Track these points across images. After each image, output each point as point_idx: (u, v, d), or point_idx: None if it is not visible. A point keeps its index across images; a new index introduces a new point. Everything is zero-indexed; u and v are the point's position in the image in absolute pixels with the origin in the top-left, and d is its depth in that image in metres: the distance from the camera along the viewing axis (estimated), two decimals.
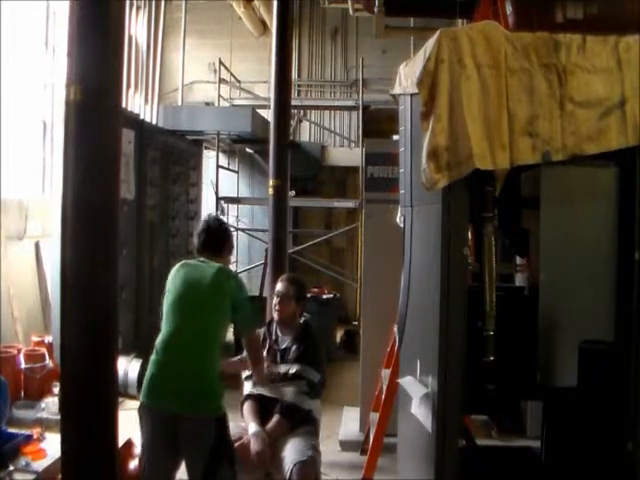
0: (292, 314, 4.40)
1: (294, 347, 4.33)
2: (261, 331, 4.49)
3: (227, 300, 3.72)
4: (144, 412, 3.66)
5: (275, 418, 4.18)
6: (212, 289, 3.71)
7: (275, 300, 4.43)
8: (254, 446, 3.99)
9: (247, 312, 3.85)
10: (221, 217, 4.39)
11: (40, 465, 5.09)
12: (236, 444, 3.98)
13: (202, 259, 3.88)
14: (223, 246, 3.95)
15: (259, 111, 10.72)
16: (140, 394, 3.73)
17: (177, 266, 3.87)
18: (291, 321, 4.41)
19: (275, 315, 4.44)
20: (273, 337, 4.43)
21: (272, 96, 7.02)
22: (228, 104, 11.85)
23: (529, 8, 4.42)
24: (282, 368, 4.29)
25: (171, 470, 3.71)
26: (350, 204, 11.09)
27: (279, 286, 4.46)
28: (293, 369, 4.26)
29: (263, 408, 4.23)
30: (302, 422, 4.25)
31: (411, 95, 3.52)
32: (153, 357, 3.69)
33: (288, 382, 4.24)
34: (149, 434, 3.65)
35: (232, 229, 4.19)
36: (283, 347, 4.37)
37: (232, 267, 4.24)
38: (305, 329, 4.45)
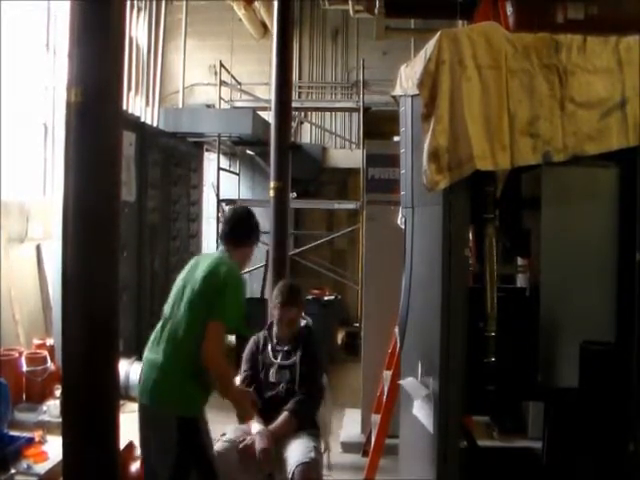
0: (293, 320, 4.40)
1: (297, 351, 4.33)
2: (260, 335, 4.50)
3: (213, 295, 3.51)
4: None
5: (283, 415, 4.15)
6: (200, 283, 3.55)
7: (274, 311, 4.42)
8: (259, 444, 3.97)
9: (224, 303, 3.49)
10: (248, 208, 4.17)
11: (42, 468, 5.08)
12: (240, 445, 3.99)
13: (220, 250, 3.82)
14: (243, 236, 3.82)
15: (260, 113, 10.72)
16: None
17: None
18: (292, 326, 4.41)
19: (278, 328, 4.43)
20: (274, 340, 4.43)
21: (273, 98, 7.02)
22: (229, 106, 11.84)
23: (530, 9, 4.41)
24: (285, 373, 4.29)
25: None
26: (351, 205, 11.09)
27: (276, 299, 4.39)
28: (297, 374, 4.27)
29: (265, 409, 4.21)
30: (305, 424, 4.25)
31: (412, 96, 3.53)
32: None
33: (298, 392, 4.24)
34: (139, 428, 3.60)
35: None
36: (286, 350, 4.37)
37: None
38: (306, 333, 4.46)
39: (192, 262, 3.82)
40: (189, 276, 3.67)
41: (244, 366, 4.41)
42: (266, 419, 4.16)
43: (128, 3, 7.38)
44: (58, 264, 6.39)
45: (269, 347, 4.41)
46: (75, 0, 3.35)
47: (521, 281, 4.47)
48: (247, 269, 11.30)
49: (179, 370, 3.48)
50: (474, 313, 3.12)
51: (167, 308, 3.65)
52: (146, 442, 3.59)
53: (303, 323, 4.54)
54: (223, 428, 4.30)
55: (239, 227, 3.84)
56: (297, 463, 3.93)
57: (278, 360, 4.34)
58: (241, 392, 3.89)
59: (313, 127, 13.31)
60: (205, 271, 3.57)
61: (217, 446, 4.02)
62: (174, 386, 3.48)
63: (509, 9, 4.56)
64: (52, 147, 8.48)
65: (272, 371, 4.32)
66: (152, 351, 3.57)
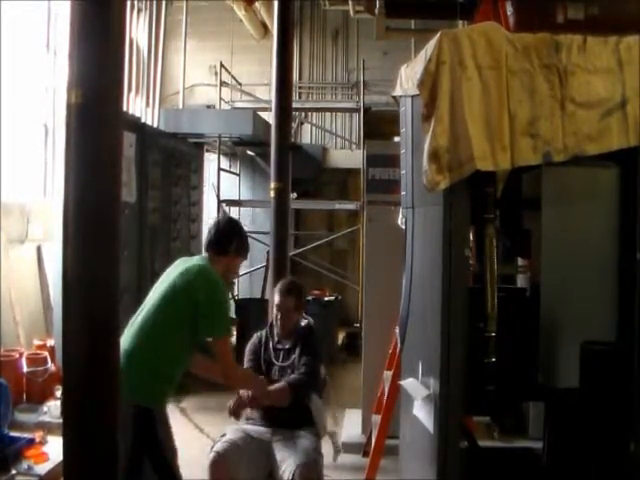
0: (290, 312, 4.41)
1: (296, 349, 4.35)
2: (262, 333, 4.51)
3: (187, 299, 3.60)
4: None
5: (282, 383, 4.18)
6: (174, 284, 3.63)
7: (275, 311, 4.43)
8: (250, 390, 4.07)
9: (211, 318, 3.61)
10: (235, 219, 4.24)
11: (42, 469, 5.09)
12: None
13: (202, 257, 3.85)
14: (224, 245, 3.82)
15: (260, 113, 10.72)
16: None
17: None
18: (292, 325, 4.42)
19: (276, 323, 4.44)
20: (275, 339, 4.45)
21: (273, 98, 7.01)
22: (229, 107, 11.85)
23: (530, 9, 4.41)
24: (287, 373, 4.30)
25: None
26: (351, 206, 11.08)
27: (277, 299, 4.42)
28: (299, 368, 4.28)
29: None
30: (305, 424, 4.26)
31: (412, 97, 3.53)
32: None
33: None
34: None
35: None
36: (287, 348, 4.40)
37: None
38: (307, 332, 4.47)
39: (177, 262, 3.88)
40: (169, 274, 3.76)
41: (248, 356, 4.45)
42: (268, 411, 4.22)
43: (128, 4, 7.38)
44: (58, 265, 6.39)
45: (270, 346, 4.43)
46: (75, 0, 3.35)
47: (521, 281, 4.47)
48: (248, 270, 11.40)
49: (142, 361, 3.58)
50: (474, 313, 3.12)
51: (144, 302, 3.78)
52: None
53: (304, 322, 4.55)
54: (223, 428, 4.30)
55: (220, 236, 3.86)
56: (297, 463, 3.93)
57: (279, 362, 4.36)
58: (259, 382, 4.08)
59: (313, 127, 13.31)
60: (182, 273, 3.67)
61: (217, 446, 4.03)
62: (135, 375, 3.52)
63: (509, 9, 4.55)
64: (52, 148, 8.48)
65: (273, 370, 4.35)
66: (123, 340, 3.62)
